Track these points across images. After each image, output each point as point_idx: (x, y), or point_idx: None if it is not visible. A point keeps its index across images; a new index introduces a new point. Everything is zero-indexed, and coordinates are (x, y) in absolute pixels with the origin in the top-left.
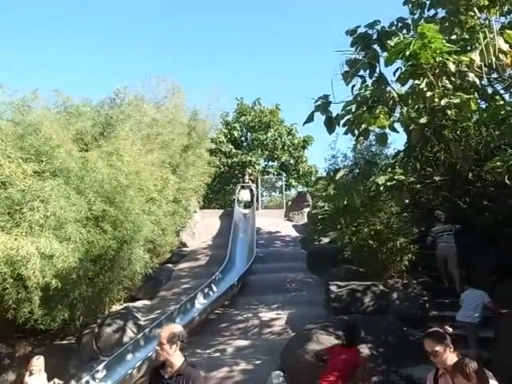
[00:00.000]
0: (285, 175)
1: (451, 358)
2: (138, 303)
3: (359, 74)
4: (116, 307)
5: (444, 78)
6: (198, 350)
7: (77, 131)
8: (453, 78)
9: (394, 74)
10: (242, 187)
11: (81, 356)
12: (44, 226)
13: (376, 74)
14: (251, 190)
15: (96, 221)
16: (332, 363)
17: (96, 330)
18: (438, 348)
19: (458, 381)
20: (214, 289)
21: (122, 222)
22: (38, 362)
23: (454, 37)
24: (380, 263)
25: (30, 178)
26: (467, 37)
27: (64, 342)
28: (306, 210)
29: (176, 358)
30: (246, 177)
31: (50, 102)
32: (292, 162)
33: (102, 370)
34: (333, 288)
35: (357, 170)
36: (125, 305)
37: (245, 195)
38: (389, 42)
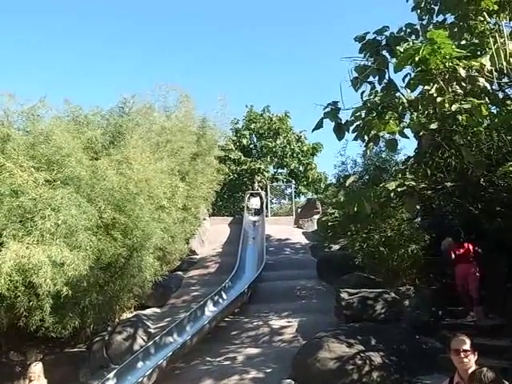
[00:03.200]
0: (294, 182)
1: (473, 363)
2: (148, 311)
3: (368, 80)
4: (126, 315)
5: (454, 83)
6: (208, 358)
7: (87, 140)
8: (463, 84)
9: (404, 79)
10: (252, 194)
11: (91, 364)
12: (55, 234)
13: (385, 80)
14: (261, 197)
15: (106, 229)
16: None
17: (106, 338)
18: (468, 347)
19: None
20: (224, 296)
21: (132, 229)
22: (37, 369)
23: (463, 42)
24: (391, 270)
25: (42, 187)
26: (477, 42)
27: (75, 349)
28: (316, 216)
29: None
30: (256, 184)
31: (59, 111)
32: (301, 169)
33: (113, 378)
34: (344, 295)
35: (367, 177)
36: (135, 312)
37: (254, 202)
38: (398, 47)
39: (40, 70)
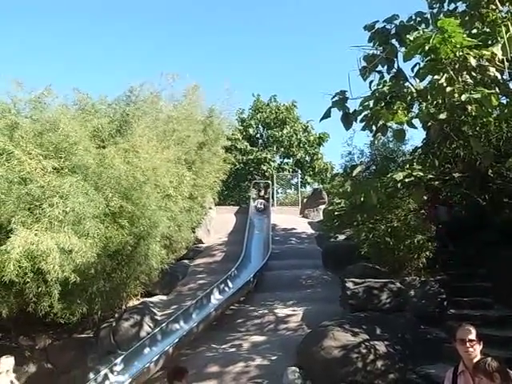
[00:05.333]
0: (300, 172)
1: (478, 352)
2: (155, 298)
3: (377, 69)
4: (133, 302)
5: (464, 72)
6: (214, 345)
7: (94, 128)
8: (473, 73)
9: (413, 69)
10: (259, 195)
11: (99, 349)
12: (63, 221)
13: (394, 70)
14: (266, 200)
15: (113, 217)
16: None
17: (114, 325)
18: (474, 337)
19: (481, 381)
20: (230, 285)
21: (139, 218)
22: (6, 362)
23: (474, 31)
24: (397, 260)
25: (50, 175)
26: (488, 30)
27: (82, 335)
28: (322, 206)
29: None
30: (262, 191)
31: (66, 99)
32: (307, 158)
33: (120, 363)
34: (349, 285)
35: (374, 167)
36: (142, 300)
37: (259, 203)
38: (407, 36)
39: (46, 58)
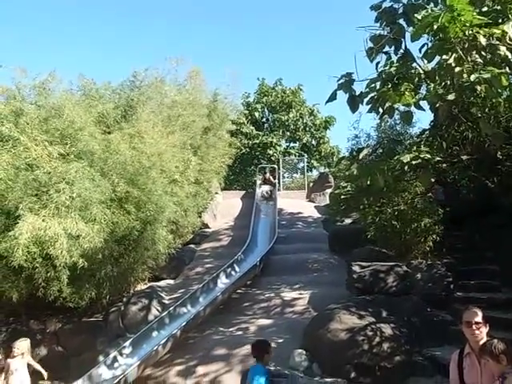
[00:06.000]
0: (306, 156)
1: (484, 335)
2: (162, 282)
3: (384, 50)
4: (141, 286)
5: (474, 52)
6: (221, 328)
7: (99, 114)
8: (483, 52)
9: (420, 50)
10: (264, 182)
11: (108, 333)
12: (70, 207)
13: (401, 50)
14: (272, 185)
15: (120, 202)
16: None
17: (122, 309)
18: (480, 320)
19: (488, 364)
20: (237, 269)
21: (145, 203)
22: (21, 345)
23: (484, 9)
24: (404, 244)
25: (56, 161)
26: (499, 8)
27: (92, 319)
28: (328, 190)
29: None
30: (267, 174)
31: (71, 85)
32: (314, 142)
33: (129, 346)
34: (355, 268)
35: (380, 150)
36: (149, 284)
37: (265, 189)
38: (415, 15)
39: (49, 44)
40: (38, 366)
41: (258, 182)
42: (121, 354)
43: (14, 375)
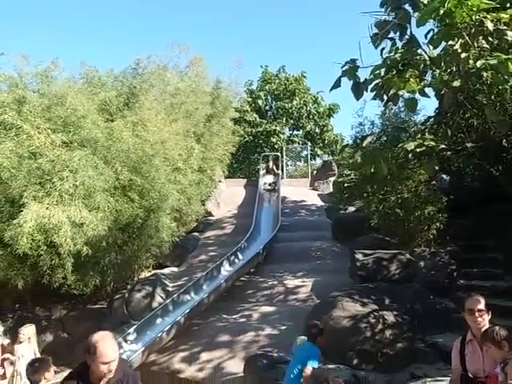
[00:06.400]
0: (310, 144)
1: (487, 322)
2: (166, 270)
3: (389, 36)
4: (145, 274)
5: (480, 37)
6: (225, 315)
7: (101, 102)
8: (490, 38)
9: (426, 36)
10: (267, 172)
11: (112, 319)
12: (74, 195)
13: (407, 36)
14: (275, 175)
15: (123, 190)
16: None
17: (126, 296)
18: (483, 307)
19: (490, 350)
20: (240, 256)
21: (149, 191)
22: (27, 331)
23: None
24: (407, 232)
25: (59, 149)
26: None
27: (96, 306)
28: (332, 179)
29: None
30: (270, 163)
31: (73, 73)
32: (317, 130)
33: (133, 332)
34: (358, 256)
35: (384, 138)
36: (153, 272)
37: (269, 179)
38: (421, 0)
39: (50, 31)
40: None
41: (261, 171)
42: (125, 341)
43: (21, 360)
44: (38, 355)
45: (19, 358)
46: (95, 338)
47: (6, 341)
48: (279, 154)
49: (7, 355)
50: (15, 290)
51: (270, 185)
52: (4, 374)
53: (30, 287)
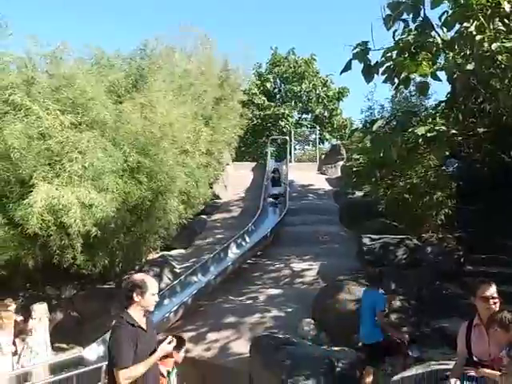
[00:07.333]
0: (318, 128)
1: (497, 309)
2: (174, 252)
3: (402, 17)
4: (152, 255)
5: (496, 19)
6: (231, 297)
7: (110, 83)
8: (506, 20)
9: (440, 18)
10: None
11: (121, 299)
12: (82, 176)
13: (420, 18)
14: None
15: (132, 172)
16: None
17: None
18: (496, 294)
19: (497, 333)
20: (247, 239)
21: (157, 173)
22: (39, 309)
23: None
24: (415, 217)
25: (68, 130)
26: None
27: (105, 286)
28: (340, 163)
29: None
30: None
31: (81, 54)
32: (326, 114)
33: None
34: (365, 241)
35: (394, 122)
36: (161, 253)
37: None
38: None
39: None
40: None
41: (266, 178)
42: None
43: (33, 337)
44: (48, 333)
45: (30, 335)
46: (139, 277)
47: (19, 317)
48: (287, 137)
49: (20, 333)
50: (26, 269)
51: (274, 197)
52: (16, 350)
53: (40, 267)
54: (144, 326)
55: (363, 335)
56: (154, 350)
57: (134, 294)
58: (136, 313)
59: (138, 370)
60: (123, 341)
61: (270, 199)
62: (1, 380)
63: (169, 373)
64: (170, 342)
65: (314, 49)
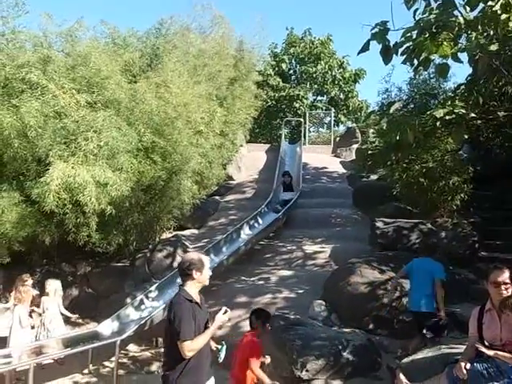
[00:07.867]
0: (334, 110)
1: (510, 294)
2: (187, 232)
3: None
4: (166, 235)
5: None
6: (243, 278)
7: (125, 62)
8: None
9: None
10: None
11: (135, 277)
12: (98, 155)
13: None
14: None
15: (146, 152)
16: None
17: (148, 255)
18: (509, 280)
19: (509, 318)
20: (260, 221)
21: (171, 153)
22: (53, 285)
23: None
24: (430, 202)
25: (83, 109)
26: None
27: (119, 264)
28: (355, 146)
29: None
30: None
31: (96, 32)
32: (342, 96)
33: (155, 290)
34: (379, 224)
35: (412, 105)
36: (174, 233)
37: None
38: None
39: None
40: (64, 311)
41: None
42: (147, 297)
43: (48, 312)
44: (62, 308)
45: (47, 309)
46: (195, 255)
47: (35, 292)
48: (301, 119)
49: (34, 307)
50: (43, 246)
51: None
52: (32, 325)
53: (56, 244)
54: (199, 302)
55: (417, 302)
56: (206, 326)
57: (194, 271)
58: (192, 289)
59: (200, 341)
60: (185, 315)
61: (278, 206)
62: (21, 352)
63: (218, 348)
64: (224, 313)
65: (331, 29)
